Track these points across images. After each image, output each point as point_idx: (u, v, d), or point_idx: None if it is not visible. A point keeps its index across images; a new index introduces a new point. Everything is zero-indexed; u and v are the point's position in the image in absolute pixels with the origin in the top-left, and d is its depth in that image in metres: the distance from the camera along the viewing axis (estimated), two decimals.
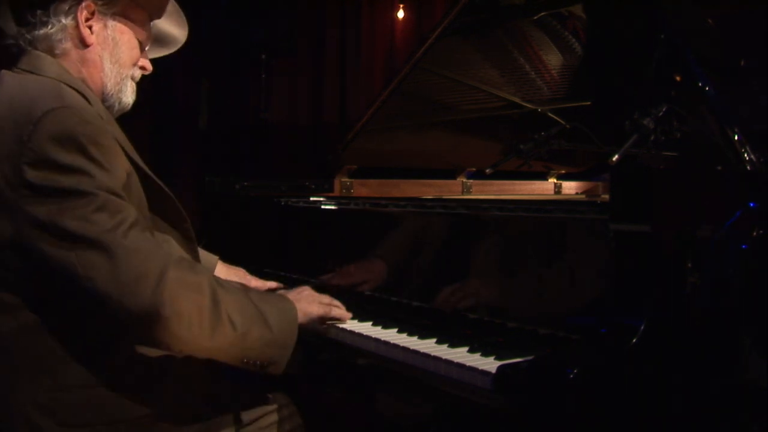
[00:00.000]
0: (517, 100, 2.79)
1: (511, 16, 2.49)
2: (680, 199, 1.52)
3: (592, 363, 1.35)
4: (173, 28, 1.93)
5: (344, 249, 2.30)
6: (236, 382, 1.78)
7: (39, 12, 1.60)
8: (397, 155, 2.88)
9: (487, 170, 2.63)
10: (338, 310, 1.86)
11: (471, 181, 3.06)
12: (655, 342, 1.38)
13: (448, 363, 1.52)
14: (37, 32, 1.61)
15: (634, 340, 1.36)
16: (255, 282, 2.24)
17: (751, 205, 1.55)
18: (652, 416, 1.39)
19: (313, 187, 2.74)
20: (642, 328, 1.37)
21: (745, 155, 1.69)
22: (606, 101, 2.67)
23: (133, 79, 1.75)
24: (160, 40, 1.92)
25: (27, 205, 1.40)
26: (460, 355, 1.55)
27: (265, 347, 1.55)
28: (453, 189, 3.02)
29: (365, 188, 2.78)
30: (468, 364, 1.48)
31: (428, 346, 1.64)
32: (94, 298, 1.41)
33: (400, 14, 5.78)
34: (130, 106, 1.75)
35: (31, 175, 1.40)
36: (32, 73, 1.57)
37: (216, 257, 2.21)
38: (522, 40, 2.57)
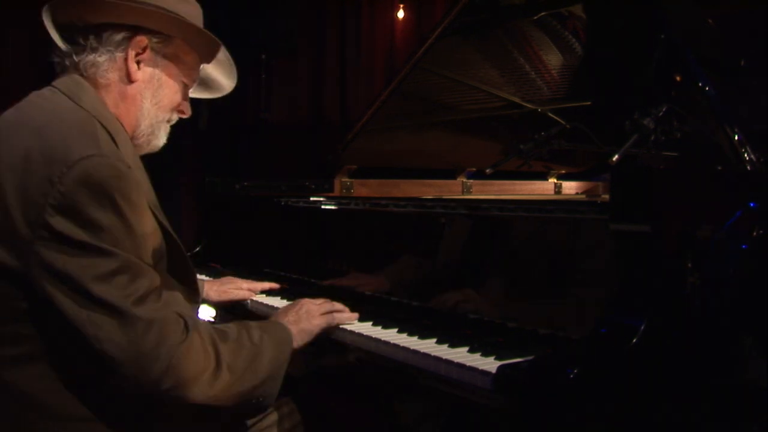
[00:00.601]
0: (517, 100, 2.79)
1: (511, 16, 2.49)
2: (680, 199, 1.52)
3: (592, 363, 1.35)
4: (221, 76, 1.88)
5: (344, 249, 2.30)
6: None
7: (91, 37, 1.56)
8: (397, 155, 2.89)
9: (488, 170, 2.63)
10: (341, 315, 1.83)
11: (471, 181, 3.06)
12: (655, 342, 1.38)
13: (449, 363, 1.51)
14: (84, 57, 1.56)
15: (634, 340, 1.36)
16: (246, 284, 2.23)
17: (751, 205, 1.55)
18: (652, 416, 1.39)
19: (313, 187, 2.74)
20: (642, 328, 1.37)
21: (745, 155, 1.69)
22: (606, 101, 2.67)
23: (169, 122, 1.70)
24: (205, 83, 1.87)
25: (43, 247, 1.34)
26: (460, 355, 1.55)
27: (255, 389, 1.54)
28: (453, 189, 3.03)
29: (365, 188, 2.78)
30: (468, 364, 1.48)
31: (428, 346, 1.64)
32: (98, 355, 1.36)
33: (400, 14, 5.78)
34: (159, 148, 1.70)
35: (55, 219, 1.33)
36: (68, 97, 1.51)
37: (202, 281, 2.15)
38: (522, 40, 2.57)
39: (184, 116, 1.74)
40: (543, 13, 2.45)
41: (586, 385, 1.31)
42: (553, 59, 2.64)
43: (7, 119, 1.49)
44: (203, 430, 1.63)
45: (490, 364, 1.46)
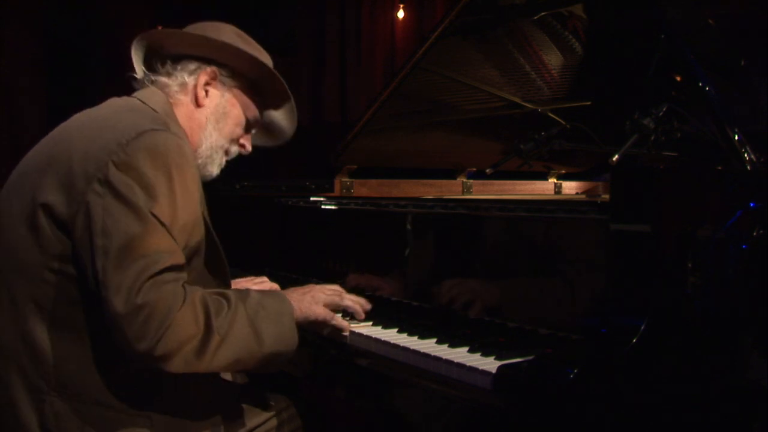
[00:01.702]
0: (517, 100, 2.79)
1: (511, 16, 2.49)
2: (680, 199, 1.52)
3: (592, 363, 1.35)
4: (284, 120, 1.98)
5: (344, 249, 2.30)
6: (236, 385, 1.78)
7: (168, 62, 1.74)
8: (397, 155, 2.89)
9: (488, 170, 2.63)
10: (348, 305, 1.82)
11: (471, 181, 3.06)
12: (656, 342, 1.38)
13: (449, 363, 1.52)
14: (159, 78, 1.74)
15: (634, 340, 1.36)
16: (277, 287, 2.22)
17: (751, 205, 1.55)
18: (653, 416, 1.39)
19: (313, 187, 2.74)
20: (642, 328, 1.37)
21: (745, 155, 1.69)
22: (606, 101, 2.67)
23: (227, 153, 1.82)
24: (269, 129, 1.98)
25: (93, 198, 1.44)
26: (460, 355, 1.55)
27: (257, 363, 1.56)
28: (453, 189, 3.03)
29: (365, 188, 2.78)
30: (468, 364, 1.48)
31: (428, 346, 1.64)
32: (107, 307, 1.41)
33: (400, 14, 5.78)
34: (212, 177, 1.81)
35: (112, 174, 1.44)
36: (141, 101, 1.67)
37: (237, 281, 2.16)
38: (522, 40, 2.57)
39: (245, 152, 1.87)
40: (543, 13, 2.45)
41: (586, 385, 1.31)
42: (554, 59, 2.64)
43: (87, 111, 1.65)
44: (207, 403, 1.64)
45: (490, 364, 1.46)
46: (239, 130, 1.82)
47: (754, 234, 1.51)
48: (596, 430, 1.34)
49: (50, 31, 4.24)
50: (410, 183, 2.88)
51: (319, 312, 1.73)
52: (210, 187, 2.85)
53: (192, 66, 1.74)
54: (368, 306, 1.88)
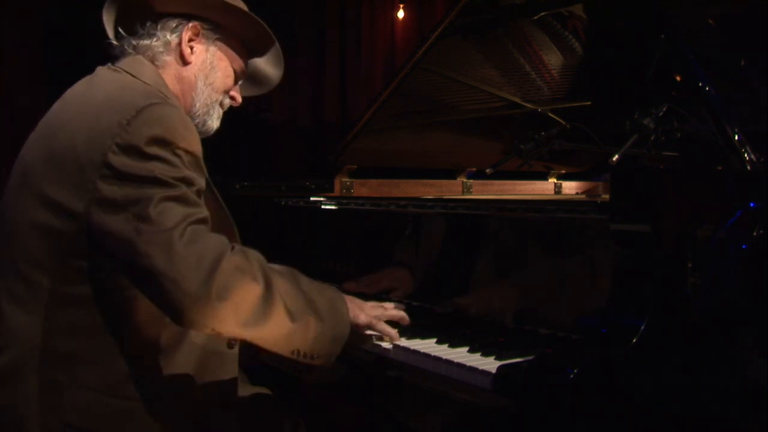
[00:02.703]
0: (517, 100, 2.79)
1: (511, 16, 2.49)
2: (680, 199, 1.52)
3: (592, 363, 1.35)
4: (270, 67, 1.97)
5: (344, 249, 2.30)
6: (236, 384, 1.78)
7: (148, 24, 1.69)
8: (397, 155, 2.88)
9: (488, 170, 2.63)
10: (388, 314, 1.74)
11: (471, 181, 3.06)
12: (656, 342, 1.38)
13: (449, 363, 1.52)
14: (142, 41, 1.69)
15: (634, 340, 1.36)
16: None
17: (751, 205, 1.55)
18: (652, 416, 1.39)
19: (313, 187, 2.74)
20: (642, 328, 1.37)
21: (745, 155, 1.69)
22: (606, 101, 2.67)
23: (221, 106, 1.80)
24: (254, 77, 1.96)
25: (105, 184, 1.42)
26: (460, 355, 1.55)
27: (315, 340, 1.53)
28: (453, 189, 3.03)
29: (365, 188, 2.78)
30: (468, 364, 1.48)
31: (428, 346, 1.64)
32: (147, 276, 1.40)
33: (400, 14, 5.78)
34: (212, 132, 1.80)
35: (119, 157, 1.43)
36: (131, 75, 1.62)
37: None
38: (522, 40, 2.57)
39: (236, 104, 1.85)
40: (543, 13, 2.45)
41: (587, 385, 1.31)
42: (554, 59, 2.64)
43: (75, 90, 1.62)
44: (207, 403, 1.64)
45: (490, 364, 1.46)
46: (229, 82, 1.79)
47: (754, 234, 1.51)
48: (596, 430, 1.34)
49: (51, 32, 4.24)
50: (410, 183, 2.88)
51: (365, 319, 1.68)
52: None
53: (173, 23, 1.70)
54: (406, 318, 1.78)
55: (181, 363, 1.57)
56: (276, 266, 1.57)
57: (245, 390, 1.89)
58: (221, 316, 1.40)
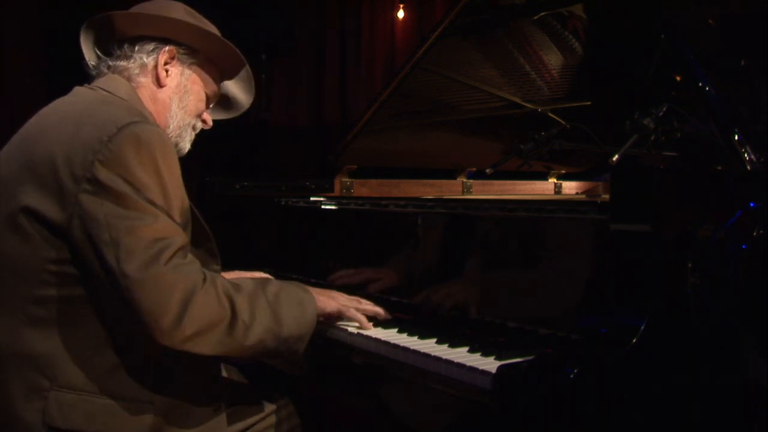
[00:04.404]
0: (517, 100, 2.79)
1: (511, 16, 2.49)
2: (680, 199, 1.52)
3: (592, 363, 1.35)
4: (240, 93, 2.02)
5: (344, 249, 2.30)
6: (235, 384, 1.79)
7: (125, 46, 1.72)
8: (397, 155, 2.88)
9: (488, 170, 2.63)
10: (364, 311, 1.83)
11: (471, 181, 3.06)
12: (656, 342, 1.38)
13: (449, 363, 1.51)
14: (119, 62, 1.72)
15: (634, 340, 1.36)
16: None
17: (751, 205, 1.55)
18: (653, 416, 1.39)
19: (313, 187, 2.74)
20: (642, 328, 1.37)
21: (745, 155, 1.69)
22: (606, 101, 2.67)
23: (194, 129, 1.84)
24: (225, 102, 2.01)
25: (86, 198, 1.45)
26: (460, 355, 1.55)
27: (279, 345, 1.60)
28: (453, 189, 3.02)
29: (365, 188, 2.78)
30: (468, 364, 1.48)
31: (428, 346, 1.64)
32: (124, 298, 1.44)
33: (400, 14, 5.79)
34: (184, 153, 1.82)
35: (101, 172, 1.45)
36: (108, 92, 1.65)
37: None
38: (522, 40, 2.57)
39: (206, 127, 1.89)
40: (543, 13, 2.45)
41: (586, 385, 1.31)
42: (554, 59, 2.64)
43: (53, 106, 1.65)
44: (206, 402, 1.65)
45: (490, 364, 1.46)
46: (202, 105, 1.83)
47: (754, 234, 1.51)
48: (596, 430, 1.34)
49: (51, 32, 4.24)
50: (410, 183, 2.88)
51: (335, 306, 1.78)
52: (210, 187, 2.86)
53: (149, 46, 1.72)
54: (385, 315, 1.87)
55: (164, 358, 1.57)
56: (242, 282, 1.61)
57: (239, 387, 1.90)
58: (191, 344, 1.47)
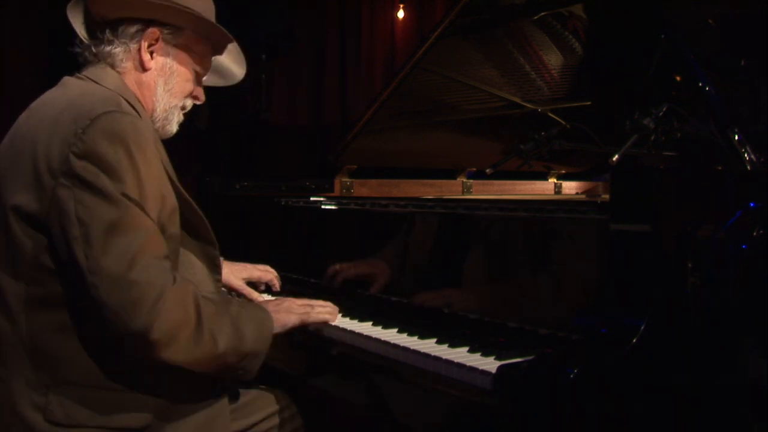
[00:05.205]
0: (517, 100, 2.79)
1: (511, 16, 2.49)
2: (680, 199, 1.52)
3: (592, 363, 1.35)
4: (233, 65, 2.00)
5: (344, 249, 2.30)
6: (236, 384, 1.78)
7: (108, 30, 1.69)
8: (397, 155, 2.88)
9: (488, 170, 2.63)
10: (319, 313, 1.83)
11: (471, 181, 3.06)
12: (656, 342, 1.38)
13: (449, 363, 1.51)
14: (102, 48, 1.69)
15: (634, 341, 1.36)
16: (257, 273, 2.24)
17: (751, 205, 1.55)
18: (653, 416, 1.39)
19: (313, 187, 2.74)
20: (642, 328, 1.37)
21: (745, 155, 1.69)
22: (606, 101, 2.67)
23: (183, 108, 1.81)
24: (218, 72, 1.98)
25: (62, 190, 1.45)
26: (460, 355, 1.55)
27: (238, 361, 1.59)
28: (453, 189, 3.02)
29: (365, 188, 2.78)
30: (468, 364, 1.48)
31: (428, 346, 1.64)
32: (93, 299, 1.43)
33: (400, 14, 5.79)
34: (172, 134, 1.81)
35: (75, 164, 1.45)
36: (94, 82, 1.64)
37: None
38: (522, 40, 2.57)
39: (199, 102, 1.86)
40: (543, 13, 2.45)
41: (586, 385, 1.31)
42: (554, 59, 2.64)
43: (41, 99, 1.65)
44: (206, 401, 1.65)
45: (490, 364, 1.46)
46: (190, 85, 1.79)
47: (754, 234, 1.51)
48: (596, 430, 1.34)
49: (51, 32, 4.24)
50: (410, 183, 2.88)
51: (294, 320, 1.77)
52: (210, 187, 2.86)
53: (132, 29, 1.68)
54: (336, 312, 1.88)
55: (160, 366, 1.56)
56: (209, 296, 1.62)
57: (242, 387, 1.89)
58: (156, 351, 1.46)
